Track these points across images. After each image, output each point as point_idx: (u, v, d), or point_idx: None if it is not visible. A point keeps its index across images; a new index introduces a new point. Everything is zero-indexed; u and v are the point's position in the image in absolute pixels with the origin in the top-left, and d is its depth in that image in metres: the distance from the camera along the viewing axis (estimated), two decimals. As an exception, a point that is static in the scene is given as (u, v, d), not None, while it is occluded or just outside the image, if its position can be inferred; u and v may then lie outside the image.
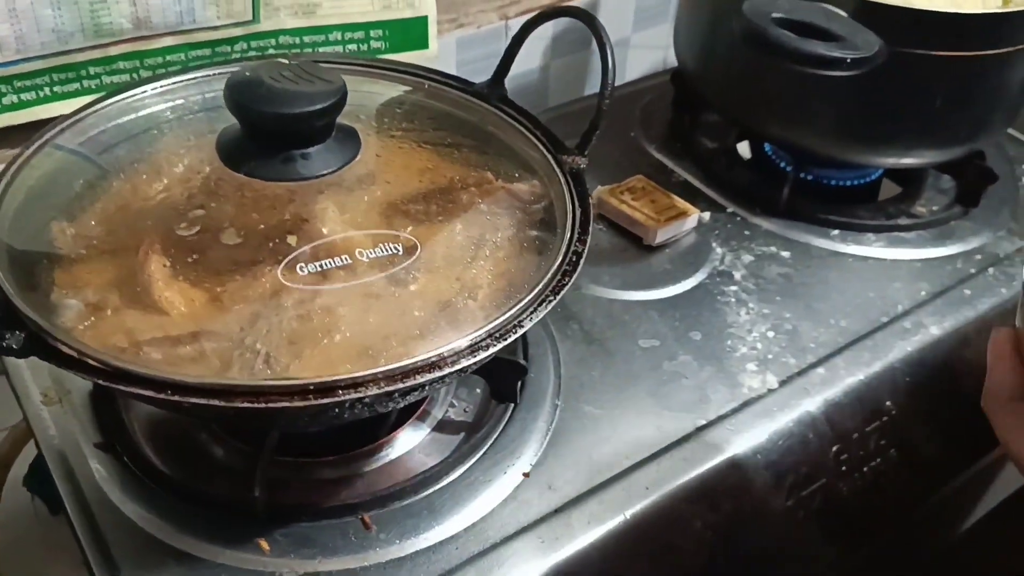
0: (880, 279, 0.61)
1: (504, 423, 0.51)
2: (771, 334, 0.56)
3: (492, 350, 0.40)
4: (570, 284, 0.43)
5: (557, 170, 0.50)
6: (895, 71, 0.55)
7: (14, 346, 0.39)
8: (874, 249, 0.63)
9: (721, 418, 0.52)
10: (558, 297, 0.43)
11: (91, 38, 0.62)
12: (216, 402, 0.37)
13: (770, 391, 0.53)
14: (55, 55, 0.62)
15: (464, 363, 0.40)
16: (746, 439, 0.51)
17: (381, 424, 0.51)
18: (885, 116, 0.59)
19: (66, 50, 0.62)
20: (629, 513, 0.47)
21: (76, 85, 0.64)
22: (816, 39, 0.52)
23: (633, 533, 0.47)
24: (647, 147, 0.72)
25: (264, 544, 0.44)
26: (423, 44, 0.74)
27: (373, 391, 0.38)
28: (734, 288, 0.60)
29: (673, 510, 0.48)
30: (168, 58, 0.66)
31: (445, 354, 0.40)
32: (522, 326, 0.41)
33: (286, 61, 0.46)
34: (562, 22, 0.82)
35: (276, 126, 0.43)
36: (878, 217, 0.66)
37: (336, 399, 0.38)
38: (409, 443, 0.51)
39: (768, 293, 0.59)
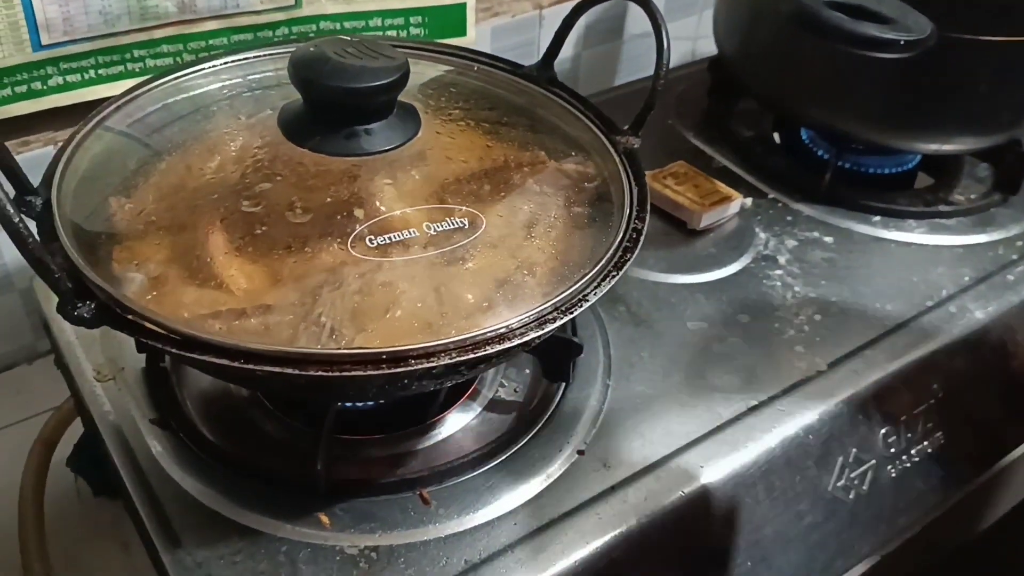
0: (923, 264, 0.61)
1: (557, 402, 0.51)
2: (818, 317, 0.57)
3: (559, 322, 0.41)
4: (632, 260, 0.44)
5: (612, 150, 0.51)
6: (942, 55, 0.55)
7: (86, 315, 0.39)
8: (916, 235, 0.64)
9: (772, 399, 0.52)
10: (621, 272, 0.43)
11: (137, 21, 0.62)
12: (290, 370, 0.37)
13: (819, 373, 0.53)
14: (101, 37, 0.62)
15: (531, 335, 0.40)
16: (797, 420, 0.51)
17: (431, 404, 0.51)
18: (929, 101, 0.59)
19: (112, 32, 0.62)
20: (686, 490, 0.47)
21: (120, 68, 0.64)
22: (867, 21, 0.52)
23: (689, 511, 0.47)
24: (685, 134, 0.73)
25: (325, 519, 0.45)
26: (461, 31, 0.74)
27: (445, 361, 0.38)
28: (779, 272, 0.60)
29: (727, 488, 0.48)
30: (211, 42, 0.66)
31: (514, 326, 0.40)
32: (587, 300, 0.42)
33: (348, 38, 0.46)
34: (593, 13, 0.83)
35: (341, 100, 0.44)
36: (917, 204, 0.66)
37: (408, 368, 0.38)
38: (460, 422, 0.51)
39: (813, 277, 0.60)
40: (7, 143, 0.44)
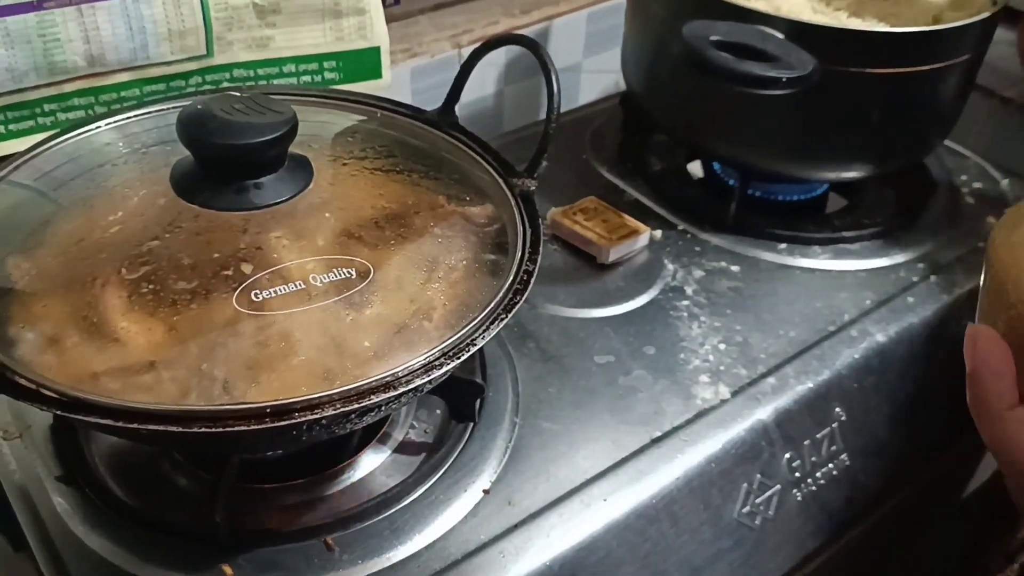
0: (827, 290, 0.63)
1: (464, 442, 0.52)
2: (722, 346, 0.58)
3: (446, 368, 0.41)
4: (521, 302, 0.45)
5: (508, 193, 0.52)
6: (831, 88, 0.57)
7: (-27, 381, 0.39)
8: (820, 261, 0.65)
9: (676, 429, 0.53)
10: (509, 315, 0.44)
11: (45, 76, 0.63)
12: (174, 428, 0.38)
13: (723, 402, 0.55)
14: (9, 93, 0.62)
15: (418, 382, 0.41)
16: (700, 449, 0.52)
17: (343, 447, 0.52)
18: (824, 132, 0.61)
19: (20, 88, 0.62)
20: (588, 525, 0.48)
21: (31, 122, 0.64)
22: (753, 60, 0.54)
23: (592, 545, 0.48)
24: (599, 168, 0.74)
25: (228, 570, 0.45)
26: (376, 74, 0.75)
27: (329, 412, 0.39)
28: (686, 303, 0.61)
29: (631, 520, 0.49)
30: (123, 93, 0.66)
31: (400, 373, 0.41)
32: (475, 344, 0.42)
33: (237, 94, 0.47)
34: (514, 49, 0.84)
35: (228, 157, 0.44)
36: (824, 230, 0.68)
37: (293, 421, 0.39)
38: (371, 465, 0.51)
39: (719, 307, 0.61)
40: None
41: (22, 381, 0.39)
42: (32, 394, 0.39)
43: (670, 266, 0.64)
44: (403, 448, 0.53)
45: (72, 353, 0.42)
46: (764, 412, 0.54)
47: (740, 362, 0.57)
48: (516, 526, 0.47)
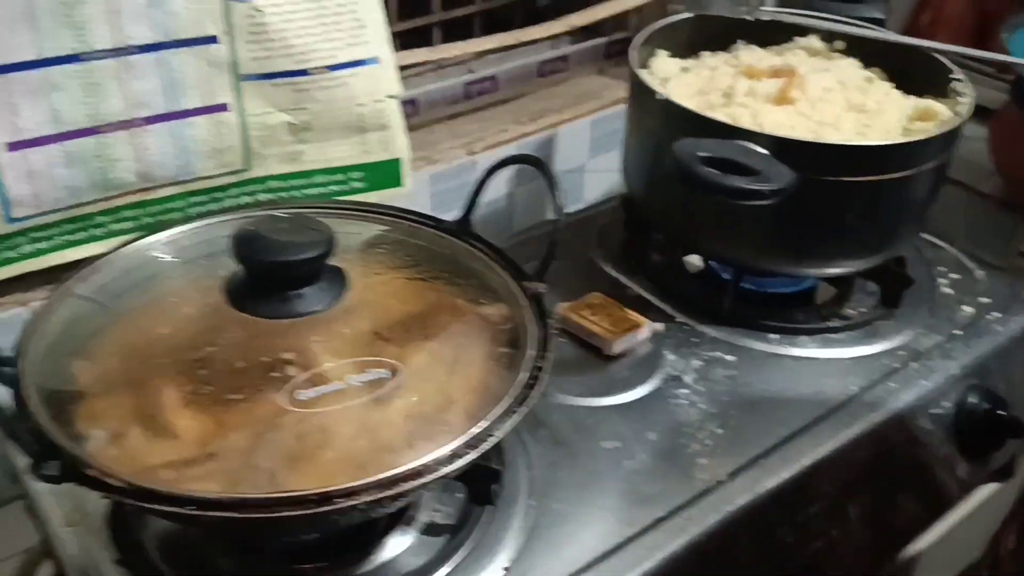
0: (815, 377, 0.68)
1: (484, 524, 0.56)
2: (719, 431, 0.63)
3: (469, 458, 0.47)
4: (535, 396, 0.50)
5: (520, 295, 0.57)
6: (811, 195, 0.63)
7: (53, 474, 0.44)
8: (809, 350, 0.70)
9: (677, 509, 0.57)
10: (525, 409, 0.49)
11: (99, 192, 0.70)
12: (230, 514, 0.43)
13: (719, 483, 0.59)
14: (67, 208, 0.69)
15: (445, 470, 0.46)
16: (701, 527, 0.57)
17: (373, 528, 0.57)
18: (806, 233, 0.67)
19: (77, 203, 0.69)
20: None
21: (85, 234, 0.71)
22: (737, 174, 0.60)
23: (603, 618, 0.52)
24: (603, 265, 0.80)
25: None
26: (398, 183, 0.82)
27: (365, 498, 0.44)
28: (686, 391, 0.66)
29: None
30: (169, 206, 0.73)
31: (428, 463, 0.46)
32: (494, 436, 0.48)
33: (283, 215, 0.53)
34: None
35: (274, 271, 0.50)
36: (812, 320, 0.73)
37: (333, 507, 0.44)
38: (399, 546, 0.56)
39: (716, 394, 0.66)
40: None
41: (95, 474, 0.45)
42: (104, 485, 0.44)
43: (670, 357, 0.69)
44: (428, 530, 0.57)
45: (133, 447, 0.48)
46: (759, 492, 0.59)
47: (736, 445, 0.62)
48: (535, 602, 0.52)
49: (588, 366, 0.69)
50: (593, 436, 0.63)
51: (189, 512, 0.44)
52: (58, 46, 0.64)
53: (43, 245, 0.69)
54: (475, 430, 0.47)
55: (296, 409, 0.48)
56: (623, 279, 0.78)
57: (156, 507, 0.44)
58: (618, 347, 0.69)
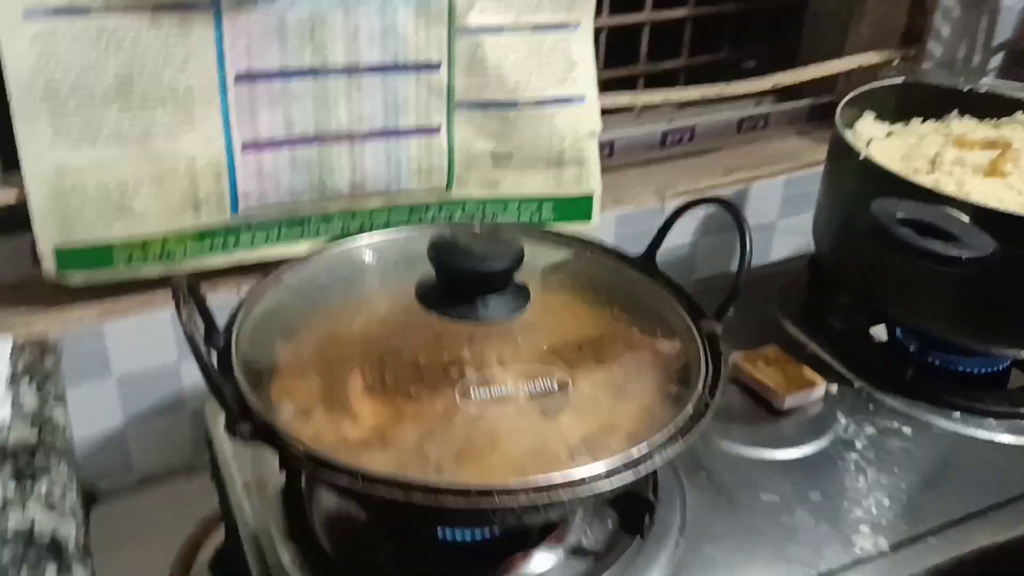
0: (998, 462, 0.64)
1: (631, 554, 0.57)
2: (886, 502, 0.61)
3: (625, 478, 0.47)
4: (698, 430, 0.50)
5: (696, 333, 0.58)
6: (1012, 269, 0.61)
7: (245, 433, 0.49)
8: (996, 434, 0.67)
9: (832, 573, 0.56)
10: (686, 441, 0.50)
11: (316, 196, 0.76)
12: (396, 493, 0.46)
13: (881, 554, 0.57)
14: (286, 208, 0.76)
15: (602, 485, 0.47)
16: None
17: (524, 541, 0.58)
18: (1002, 310, 0.64)
19: (295, 204, 0.76)
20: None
21: (299, 232, 0.77)
22: (936, 238, 0.58)
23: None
24: (783, 321, 0.79)
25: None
26: (587, 217, 0.85)
27: (522, 500, 0.46)
28: (855, 456, 0.64)
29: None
30: (374, 216, 0.78)
31: (586, 477, 0.47)
32: (652, 460, 0.48)
33: (476, 227, 0.56)
34: (713, 206, 0.92)
35: (464, 278, 0.54)
36: (1002, 404, 0.69)
37: (493, 505, 0.46)
38: (544, 564, 0.57)
39: (887, 464, 0.64)
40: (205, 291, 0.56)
41: (282, 440, 0.49)
42: (287, 450, 0.48)
43: (843, 420, 0.68)
44: (575, 552, 0.58)
45: (316, 423, 0.52)
46: (921, 568, 0.56)
47: (902, 518, 0.59)
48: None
49: (756, 418, 0.68)
50: (753, 488, 0.62)
51: (358, 486, 0.46)
52: (300, 61, 0.71)
53: (260, 237, 0.76)
54: (635, 452, 0.48)
55: (467, 408, 0.50)
56: (802, 337, 0.77)
57: (329, 477, 0.47)
58: (789, 402, 0.68)
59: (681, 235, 0.96)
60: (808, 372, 0.70)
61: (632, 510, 0.57)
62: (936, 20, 0.98)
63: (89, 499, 0.82)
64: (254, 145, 0.72)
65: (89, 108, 0.66)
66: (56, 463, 0.63)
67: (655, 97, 0.91)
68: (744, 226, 0.58)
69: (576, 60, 0.79)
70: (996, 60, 1.05)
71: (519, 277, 0.57)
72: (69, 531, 0.57)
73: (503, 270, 0.53)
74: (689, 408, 0.52)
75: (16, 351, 0.72)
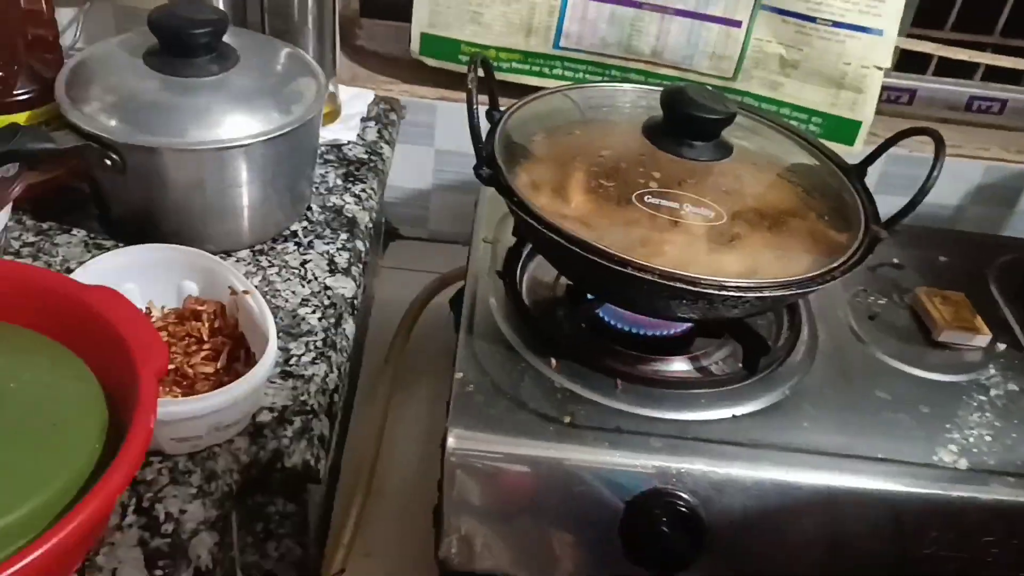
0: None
1: (740, 384, 0.69)
2: (988, 438, 0.67)
3: (760, 295, 0.60)
4: (827, 283, 0.61)
5: (862, 235, 0.67)
6: None
7: (484, 175, 0.67)
8: None
9: (903, 463, 0.64)
10: (799, 289, 0.61)
11: (620, 52, 0.91)
12: (587, 254, 0.61)
13: (955, 470, 0.64)
14: (596, 54, 0.92)
15: (747, 295, 0.60)
16: (908, 488, 0.63)
17: (668, 347, 0.72)
18: None
19: (602, 53, 0.92)
20: (795, 479, 0.63)
21: (598, 78, 0.93)
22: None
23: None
24: (991, 285, 0.83)
25: (556, 364, 0.68)
26: (850, 142, 0.92)
27: (679, 285, 0.59)
28: (983, 399, 0.70)
29: (839, 499, 0.63)
30: (664, 82, 0.92)
31: (749, 285, 0.60)
32: (793, 289, 0.60)
33: (710, 88, 0.69)
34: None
35: (683, 120, 0.67)
36: None
37: (663, 283, 0.59)
38: (677, 367, 0.71)
39: (1009, 415, 0.69)
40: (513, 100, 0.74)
41: (514, 191, 0.66)
42: (509, 194, 0.65)
43: (992, 370, 0.73)
44: (700, 370, 0.71)
45: (540, 196, 0.68)
46: (983, 497, 0.63)
47: (993, 455, 0.65)
48: (739, 443, 0.64)
49: (911, 340, 0.75)
50: (876, 385, 0.71)
51: (555, 238, 0.62)
52: (642, -64, 0.86)
53: (568, 74, 0.93)
54: (751, 282, 0.60)
55: (649, 210, 0.64)
56: (1000, 301, 0.81)
57: (533, 223, 0.64)
58: (946, 336, 0.74)
59: (949, 197, 1.01)
60: (979, 321, 0.75)
61: (753, 350, 0.69)
62: None
63: (391, 235, 1.07)
64: (584, -6, 0.88)
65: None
66: (372, 178, 0.86)
67: (961, 54, 0.94)
68: (939, 157, 0.65)
69: (887, -4, 0.86)
70: None
71: (736, 140, 0.69)
72: (364, 221, 0.80)
73: (711, 120, 0.66)
74: (820, 277, 0.62)
75: (374, 102, 0.96)
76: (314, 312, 0.68)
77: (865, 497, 0.63)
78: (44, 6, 0.72)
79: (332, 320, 0.68)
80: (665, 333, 0.73)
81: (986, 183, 1.00)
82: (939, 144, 0.66)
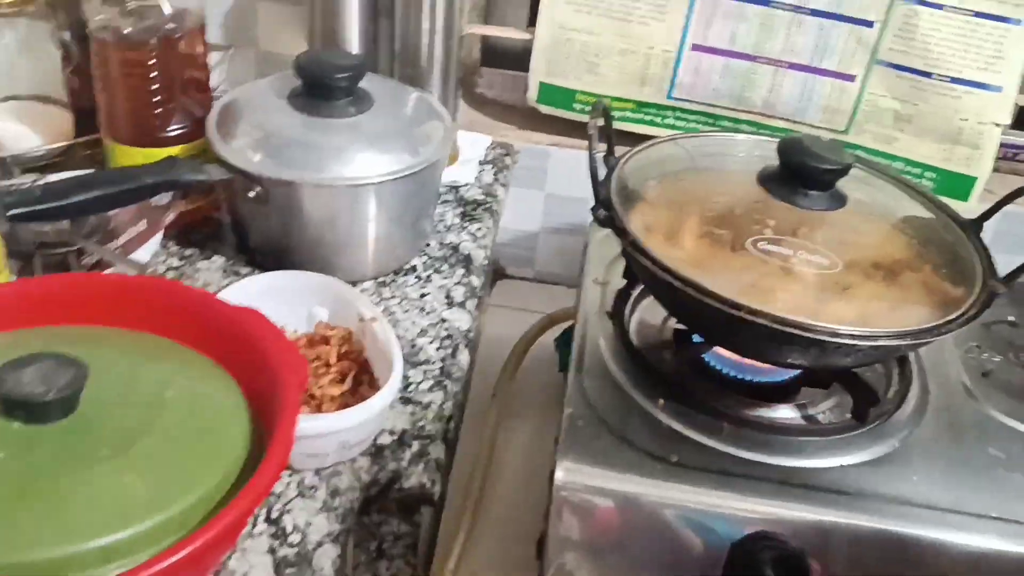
0: None
1: (848, 435, 0.69)
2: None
3: (875, 344, 0.60)
4: (943, 335, 0.61)
5: (979, 289, 0.67)
6: None
7: (600, 216, 0.69)
8: None
9: (1009, 521, 0.63)
10: (914, 340, 0.61)
11: (733, 103, 0.93)
12: (695, 293, 0.63)
13: (1072, 530, 0.63)
14: (707, 104, 0.94)
15: (861, 344, 0.60)
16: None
17: (774, 396, 0.72)
18: None
19: (714, 104, 0.94)
20: (901, 529, 0.62)
21: (710, 127, 0.95)
22: None
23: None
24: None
25: (663, 404, 0.69)
26: (965, 198, 0.92)
27: (788, 330, 0.60)
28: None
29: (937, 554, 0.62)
30: (775, 134, 0.94)
31: (835, 330, 0.60)
32: (886, 343, 0.61)
33: (825, 140, 0.70)
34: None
35: (800, 169, 0.69)
36: None
37: (771, 327, 0.60)
38: (784, 413, 0.71)
39: None
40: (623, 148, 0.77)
41: (625, 233, 0.68)
42: (622, 233, 0.68)
43: None
44: (809, 418, 0.71)
45: (652, 240, 0.70)
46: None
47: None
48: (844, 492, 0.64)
49: (1026, 396, 0.74)
50: (988, 442, 0.70)
51: (669, 279, 0.64)
52: (758, -9, 0.88)
53: (680, 124, 0.96)
54: (865, 331, 0.61)
55: (761, 257, 0.66)
56: (1121, 363, 0.79)
57: (647, 264, 0.66)
58: (1065, 397, 0.73)
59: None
60: (1101, 382, 0.74)
61: (863, 400, 0.69)
62: None
63: (498, 274, 1.11)
64: (700, 47, 0.91)
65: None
66: (488, 218, 0.90)
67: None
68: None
69: (1006, 53, 0.86)
70: None
71: (854, 195, 0.70)
72: (479, 258, 0.84)
73: (828, 170, 0.67)
74: (937, 329, 0.62)
75: (491, 147, 1.00)
76: (432, 342, 0.72)
77: (975, 555, 0.62)
78: (199, 50, 0.78)
79: (449, 351, 0.72)
80: (772, 380, 0.73)
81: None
82: (1061, 202, 0.66)
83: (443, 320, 0.74)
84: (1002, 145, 0.91)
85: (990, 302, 0.66)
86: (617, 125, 0.96)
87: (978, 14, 0.85)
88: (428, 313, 0.75)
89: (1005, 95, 0.87)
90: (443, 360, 0.70)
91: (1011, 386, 0.76)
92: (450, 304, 0.76)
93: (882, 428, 0.70)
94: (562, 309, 0.97)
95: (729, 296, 0.62)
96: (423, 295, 0.77)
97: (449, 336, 0.73)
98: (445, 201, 0.90)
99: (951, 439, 0.70)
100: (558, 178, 1.02)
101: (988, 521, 0.63)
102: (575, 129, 0.98)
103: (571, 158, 0.99)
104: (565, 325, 0.95)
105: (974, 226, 0.73)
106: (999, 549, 0.62)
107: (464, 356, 0.73)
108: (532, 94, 0.97)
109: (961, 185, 0.91)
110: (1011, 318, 0.83)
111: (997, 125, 0.88)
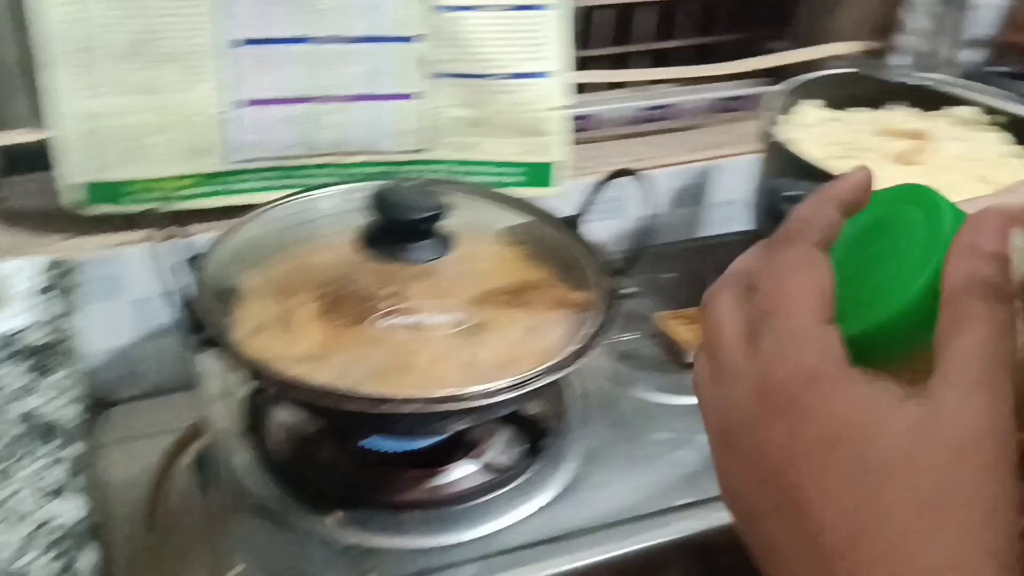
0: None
1: (532, 471, 0.66)
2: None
3: (508, 394, 0.57)
4: (574, 366, 0.59)
5: (600, 290, 0.67)
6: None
7: (199, 342, 0.59)
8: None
9: (704, 501, 0.64)
10: (564, 370, 0.59)
11: (304, 151, 0.86)
12: (324, 401, 0.55)
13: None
14: (277, 159, 0.86)
15: (482, 402, 0.56)
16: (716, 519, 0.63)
17: (447, 455, 0.67)
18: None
19: (284, 156, 0.86)
20: (617, 551, 0.61)
21: (284, 182, 0.87)
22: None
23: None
24: (716, 287, 0.87)
25: (337, 517, 0.62)
26: (547, 184, 0.93)
27: (414, 409, 0.55)
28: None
29: (654, 557, 0.62)
30: (354, 171, 0.88)
31: (470, 393, 0.56)
32: (557, 372, 0.58)
33: (413, 180, 0.66)
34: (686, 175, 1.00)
35: (392, 225, 0.63)
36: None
37: (393, 410, 0.55)
38: (462, 471, 0.67)
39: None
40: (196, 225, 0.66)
41: (229, 349, 0.59)
42: (234, 358, 0.58)
43: (746, 375, 0.76)
44: (488, 467, 0.67)
45: (267, 339, 0.62)
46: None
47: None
48: (555, 539, 0.61)
49: (666, 369, 0.77)
50: (652, 427, 0.71)
51: (298, 395, 0.57)
52: (295, 30, 0.81)
53: (251, 185, 0.86)
54: (516, 379, 0.57)
55: (387, 335, 0.60)
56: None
57: (273, 384, 0.57)
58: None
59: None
60: (721, 331, 0.78)
61: (532, 433, 0.66)
62: (905, 13, 1.03)
63: (99, 405, 0.94)
64: (250, 102, 0.82)
65: (111, 63, 0.77)
66: (66, 361, 0.74)
67: (625, 76, 0.99)
68: (648, 193, 0.66)
69: (546, 39, 0.87)
70: (972, 54, 1.10)
71: (457, 228, 0.66)
72: (69, 417, 0.69)
73: (424, 219, 0.62)
74: (574, 347, 0.61)
75: (45, 270, 0.83)
76: (39, 557, 0.57)
77: (682, 546, 0.63)
78: None
79: (64, 560, 0.57)
80: (441, 438, 0.68)
81: (674, 187, 1.05)
82: (644, 186, 0.67)
83: (45, 522, 0.59)
84: (576, 118, 0.94)
85: (617, 300, 0.66)
86: (187, 205, 0.85)
87: (513, 8, 0.85)
88: (23, 519, 0.59)
89: (555, 79, 0.88)
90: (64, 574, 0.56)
91: (649, 361, 0.78)
92: (50, 494, 0.62)
93: (557, 452, 0.68)
94: (188, 429, 0.85)
95: (370, 390, 0.56)
96: (11, 495, 0.61)
97: (60, 539, 0.59)
98: None
99: (620, 437, 0.70)
100: (138, 280, 0.88)
101: (680, 511, 0.64)
102: (139, 222, 0.85)
103: (147, 255, 0.85)
104: (198, 445, 0.83)
105: (572, 223, 0.73)
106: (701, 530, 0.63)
107: (88, 557, 0.59)
108: (71, 198, 0.82)
109: (542, 174, 0.92)
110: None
111: (554, 109, 0.89)
